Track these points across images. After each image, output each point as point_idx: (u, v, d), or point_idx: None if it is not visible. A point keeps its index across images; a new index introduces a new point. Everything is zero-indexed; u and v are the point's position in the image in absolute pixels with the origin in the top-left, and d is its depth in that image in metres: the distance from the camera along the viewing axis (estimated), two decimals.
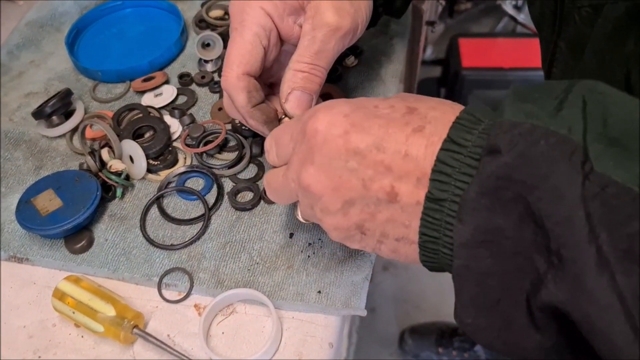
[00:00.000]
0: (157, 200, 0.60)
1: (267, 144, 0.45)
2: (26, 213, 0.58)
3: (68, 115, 0.68)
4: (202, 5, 0.80)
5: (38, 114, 0.66)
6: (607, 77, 0.45)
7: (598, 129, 0.29)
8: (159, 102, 0.69)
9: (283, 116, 0.53)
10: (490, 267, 0.32)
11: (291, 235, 0.57)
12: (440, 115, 0.35)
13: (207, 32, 0.74)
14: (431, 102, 0.37)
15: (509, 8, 2.05)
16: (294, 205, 0.52)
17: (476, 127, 0.33)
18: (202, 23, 0.78)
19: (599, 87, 0.31)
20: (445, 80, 1.88)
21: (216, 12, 0.78)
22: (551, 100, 0.31)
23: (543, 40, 0.55)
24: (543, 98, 0.32)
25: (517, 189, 0.30)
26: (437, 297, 1.58)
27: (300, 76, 0.49)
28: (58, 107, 0.66)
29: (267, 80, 0.58)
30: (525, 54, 1.69)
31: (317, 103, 0.52)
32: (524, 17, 2.03)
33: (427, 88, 1.92)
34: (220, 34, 0.74)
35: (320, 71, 0.50)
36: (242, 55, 0.50)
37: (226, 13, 0.79)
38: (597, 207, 0.27)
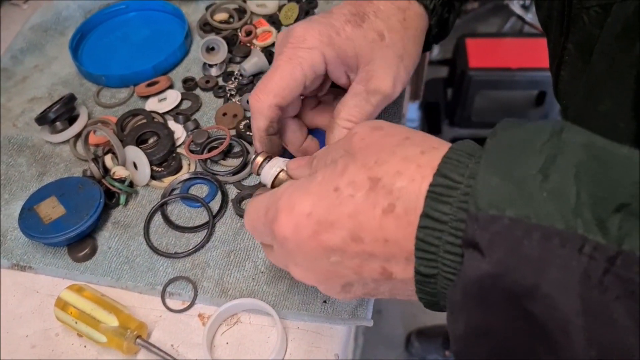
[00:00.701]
0: (161, 207, 0.60)
1: (247, 227, 0.42)
2: (29, 221, 0.57)
3: (72, 120, 0.67)
4: (207, 8, 0.80)
5: (42, 119, 0.66)
6: (617, 80, 0.44)
7: (599, 193, 0.26)
8: (163, 107, 0.68)
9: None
10: (489, 353, 0.31)
11: None
12: (408, 184, 0.32)
13: (212, 36, 0.73)
14: (396, 161, 0.33)
15: (516, 8, 2.04)
16: None
17: (453, 193, 0.30)
18: (206, 26, 0.77)
19: (596, 141, 0.28)
20: (452, 80, 1.87)
21: (221, 16, 0.78)
22: (534, 159, 0.28)
23: (551, 43, 0.54)
24: (524, 160, 0.28)
25: (505, 294, 0.27)
26: None
27: (338, 133, 0.50)
28: (62, 112, 0.66)
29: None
30: (532, 54, 1.67)
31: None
32: (531, 16, 2.02)
33: (434, 89, 1.91)
34: (224, 37, 0.73)
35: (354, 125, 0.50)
36: (282, 88, 0.49)
37: (231, 16, 0.78)
38: (611, 282, 0.24)
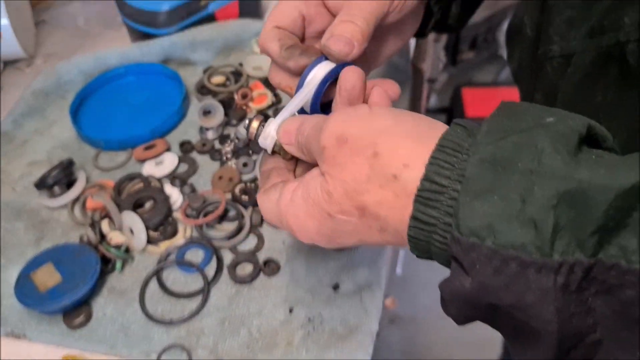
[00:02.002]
0: (157, 273, 0.60)
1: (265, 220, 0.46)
2: (25, 288, 0.57)
3: (70, 184, 0.68)
4: (204, 71, 0.82)
5: (40, 184, 0.67)
6: None
7: (577, 219, 0.28)
8: (160, 171, 0.69)
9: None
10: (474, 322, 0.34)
11: (291, 310, 0.56)
12: (390, 213, 0.34)
13: (208, 100, 0.74)
14: (372, 188, 0.34)
15: None
16: None
17: (441, 197, 0.32)
18: (203, 89, 0.79)
19: (574, 173, 0.29)
20: None
21: (217, 79, 0.80)
22: (515, 182, 0.29)
23: (522, 93, 0.56)
24: (505, 182, 0.29)
25: (488, 305, 0.31)
26: (445, 350, 1.55)
27: (340, 24, 0.47)
28: (60, 177, 0.67)
29: None
30: None
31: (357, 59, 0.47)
32: None
33: None
34: (221, 100, 0.75)
35: (360, 21, 0.47)
36: (274, 14, 0.50)
37: (227, 79, 0.80)
38: (589, 282, 0.28)
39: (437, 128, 0.35)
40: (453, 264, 0.31)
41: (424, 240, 0.33)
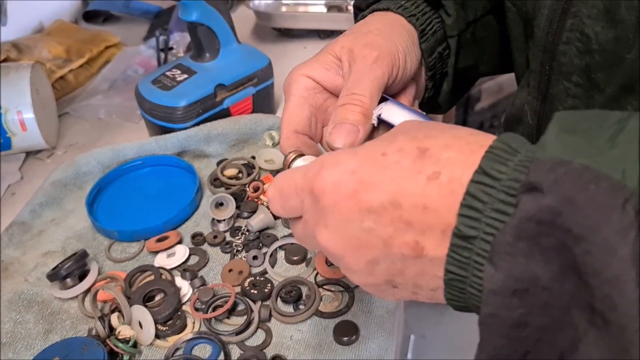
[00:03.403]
0: None
1: (270, 194, 0.41)
2: None
3: (82, 275, 0.69)
4: (218, 164, 0.84)
5: (53, 276, 0.68)
6: None
7: None
8: (171, 263, 0.70)
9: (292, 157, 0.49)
10: (521, 318, 0.29)
11: None
12: (456, 155, 0.32)
13: (221, 193, 0.77)
14: (445, 137, 0.34)
15: None
16: None
17: (512, 157, 0.30)
18: (216, 181, 0.81)
19: None
20: None
21: (230, 171, 0.82)
22: (603, 133, 0.29)
23: None
24: (593, 129, 0.29)
25: (560, 237, 0.27)
26: None
27: (340, 110, 0.48)
28: (73, 269, 0.68)
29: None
30: None
31: (365, 138, 0.49)
32: None
33: None
34: (233, 193, 0.77)
35: (359, 99, 0.48)
36: (288, 118, 0.52)
37: (240, 172, 0.82)
38: None
39: None
40: (523, 198, 0.28)
41: (481, 201, 0.30)
